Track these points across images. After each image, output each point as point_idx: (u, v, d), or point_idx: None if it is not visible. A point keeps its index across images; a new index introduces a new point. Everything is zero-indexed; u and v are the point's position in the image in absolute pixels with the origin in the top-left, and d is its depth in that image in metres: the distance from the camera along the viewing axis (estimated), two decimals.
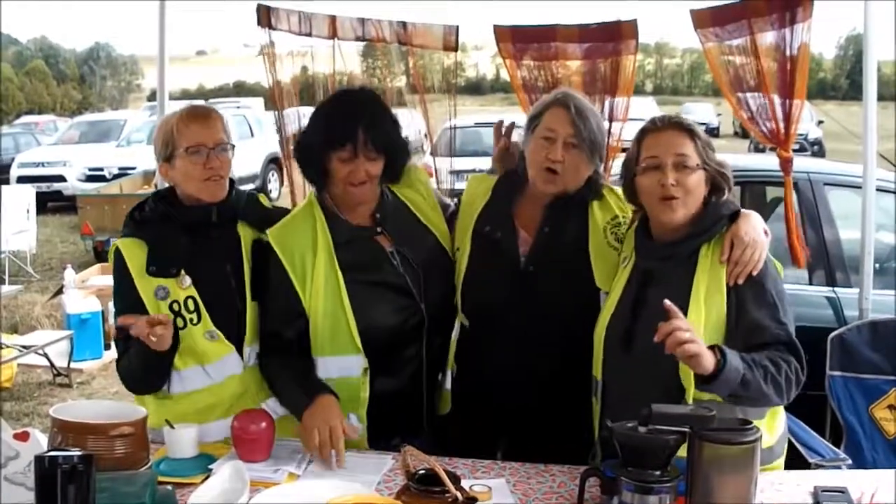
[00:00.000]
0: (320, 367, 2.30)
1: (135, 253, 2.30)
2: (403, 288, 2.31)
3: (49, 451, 1.71)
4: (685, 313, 2.01)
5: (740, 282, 2.05)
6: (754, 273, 2.05)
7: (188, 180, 2.31)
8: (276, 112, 4.55)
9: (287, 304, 2.28)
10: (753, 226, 2.09)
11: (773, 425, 2.12)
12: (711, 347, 1.90)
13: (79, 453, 1.63)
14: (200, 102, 4.40)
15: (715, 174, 2.12)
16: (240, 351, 2.32)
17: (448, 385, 2.45)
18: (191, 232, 2.33)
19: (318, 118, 2.34)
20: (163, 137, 2.33)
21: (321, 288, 2.26)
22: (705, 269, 2.07)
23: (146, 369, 2.27)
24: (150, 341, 2.13)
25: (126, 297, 2.29)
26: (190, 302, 2.28)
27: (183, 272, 2.28)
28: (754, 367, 1.92)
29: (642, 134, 2.16)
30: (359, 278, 2.28)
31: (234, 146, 2.38)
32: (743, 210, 2.14)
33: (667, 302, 1.87)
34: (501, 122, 2.65)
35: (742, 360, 1.91)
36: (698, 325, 2.01)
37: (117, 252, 2.32)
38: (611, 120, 4.15)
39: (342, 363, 2.29)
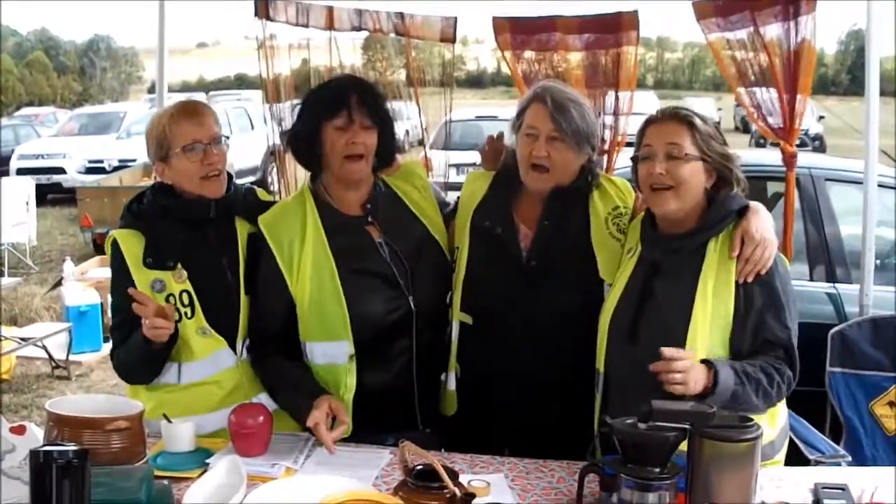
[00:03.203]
0: (307, 353, 2.30)
1: (132, 244, 2.30)
2: (390, 279, 2.29)
3: (44, 445, 1.69)
4: (691, 307, 2.02)
5: (749, 280, 2.04)
6: (762, 272, 2.04)
7: (187, 179, 2.30)
8: (269, 105, 4.53)
9: (275, 291, 2.27)
10: (763, 222, 2.07)
11: (773, 420, 2.12)
12: (706, 362, 1.93)
13: (74, 448, 1.61)
14: (198, 95, 4.38)
15: (719, 166, 2.11)
16: (233, 345, 2.31)
17: (452, 386, 2.42)
18: (188, 226, 2.32)
19: (309, 97, 2.36)
20: (156, 138, 2.32)
21: (308, 273, 2.24)
22: (713, 263, 2.06)
23: (140, 359, 2.26)
24: (146, 328, 2.13)
25: (122, 288, 2.27)
26: (185, 296, 2.27)
27: (179, 265, 2.28)
28: (747, 382, 1.97)
29: (645, 125, 2.17)
30: (347, 265, 2.27)
31: (228, 138, 2.37)
32: (751, 204, 2.12)
33: (663, 350, 1.89)
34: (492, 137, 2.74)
35: (735, 374, 1.95)
36: (704, 319, 2.01)
37: (114, 243, 2.32)
38: (616, 114, 4.13)
39: (328, 349, 2.27)
